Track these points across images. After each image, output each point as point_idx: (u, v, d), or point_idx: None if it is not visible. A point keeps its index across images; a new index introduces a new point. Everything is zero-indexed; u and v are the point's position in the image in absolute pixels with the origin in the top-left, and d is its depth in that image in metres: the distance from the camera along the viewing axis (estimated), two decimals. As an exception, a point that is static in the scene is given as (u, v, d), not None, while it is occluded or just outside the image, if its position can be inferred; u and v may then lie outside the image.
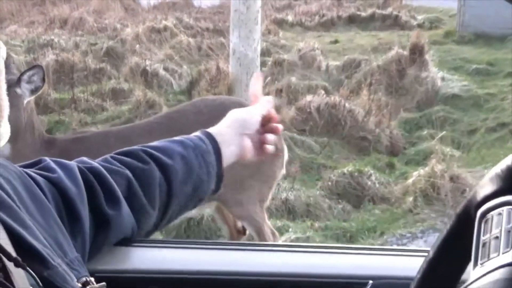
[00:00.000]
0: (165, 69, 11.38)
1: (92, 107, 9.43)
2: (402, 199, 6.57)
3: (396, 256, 1.47)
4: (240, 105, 4.50)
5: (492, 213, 0.88)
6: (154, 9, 24.77)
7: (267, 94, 8.42)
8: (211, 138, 1.64)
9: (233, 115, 1.72)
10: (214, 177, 1.64)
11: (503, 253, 0.82)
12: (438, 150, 7.13)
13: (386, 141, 8.26)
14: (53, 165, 1.36)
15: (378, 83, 10.18)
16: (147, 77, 10.77)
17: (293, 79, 10.33)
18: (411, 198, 6.44)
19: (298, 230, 5.83)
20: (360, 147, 8.24)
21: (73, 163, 1.41)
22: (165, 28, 15.54)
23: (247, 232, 4.72)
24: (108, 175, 1.43)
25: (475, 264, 0.85)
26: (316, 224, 6.08)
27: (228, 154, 1.65)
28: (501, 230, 0.85)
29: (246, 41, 8.73)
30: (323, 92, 9.11)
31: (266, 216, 4.59)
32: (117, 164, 1.52)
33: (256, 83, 1.77)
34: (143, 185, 1.50)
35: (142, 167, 1.52)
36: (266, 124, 1.69)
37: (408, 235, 5.91)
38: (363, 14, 19.91)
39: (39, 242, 1.12)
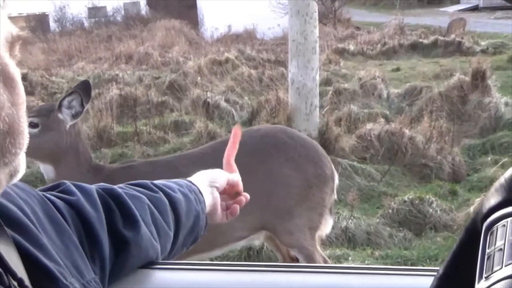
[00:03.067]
0: (227, 100, 11.49)
1: (155, 139, 9.56)
2: (464, 227, 6.42)
3: (411, 276, 1.45)
4: (284, 132, 4.53)
5: (497, 225, 0.86)
6: (217, 42, 25.13)
7: (327, 123, 8.44)
8: (193, 183, 1.74)
9: (203, 171, 1.82)
10: (205, 215, 1.72)
11: (505, 266, 0.80)
12: (502, 176, 6.97)
13: (448, 168, 8.13)
14: (72, 188, 1.39)
15: (439, 110, 10.05)
16: (208, 109, 10.89)
17: (354, 107, 10.29)
18: (474, 225, 6.30)
19: (358, 259, 5.76)
20: (421, 174, 8.14)
21: (92, 187, 1.45)
22: (227, 60, 15.71)
23: (300, 260, 4.68)
24: (127, 198, 1.47)
25: (480, 278, 0.83)
26: (377, 253, 6.00)
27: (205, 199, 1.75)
28: (504, 242, 0.83)
29: (304, 71, 8.75)
30: (383, 120, 9.05)
31: (317, 244, 4.53)
32: (136, 188, 1.57)
33: (230, 153, 1.86)
34: (159, 210, 1.56)
35: (154, 195, 1.59)
36: (230, 188, 1.81)
37: (471, 262, 5.77)
38: (425, 41, 19.79)
39: (53, 262, 1.15)
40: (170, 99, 12.06)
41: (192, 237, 1.70)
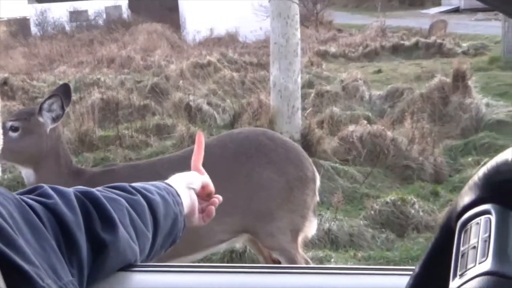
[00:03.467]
0: (209, 103, 11.48)
1: (137, 143, 9.53)
2: (447, 227, 6.44)
3: (394, 276, 1.46)
4: (265, 135, 4.53)
5: (471, 223, 0.87)
6: (200, 45, 25.11)
7: (309, 125, 8.44)
8: (171, 185, 1.76)
9: (180, 174, 1.83)
10: (184, 217, 1.73)
11: (479, 263, 0.81)
12: (483, 177, 7.00)
13: (430, 169, 8.17)
14: (50, 191, 1.38)
15: (421, 111, 10.10)
16: (190, 112, 10.87)
17: (336, 109, 10.31)
18: (456, 226, 6.31)
19: (340, 260, 5.77)
20: (404, 175, 8.17)
21: (70, 190, 1.44)
22: (209, 63, 15.71)
23: (283, 262, 4.66)
24: (105, 201, 1.46)
25: (454, 275, 0.84)
26: (359, 254, 6.01)
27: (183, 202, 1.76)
28: (478, 240, 0.84)
29: (286, 73, 8.76)
30: (365, 121, 9.08)
31: (299, 246, 4.52)
32: (114, 191, 1.56)
33: (197, 159, 1.88)
34: (137, 213, 1.56)
35: (132, 197, 1.59)
36: (202, 190, 1.82)
37: (453, 263, 5.79)
38: (407, 43, 19.90)
39: (30, 264, 1.14)
40: (152, 102, 12.04)
41: (170, 239, 1.70)
